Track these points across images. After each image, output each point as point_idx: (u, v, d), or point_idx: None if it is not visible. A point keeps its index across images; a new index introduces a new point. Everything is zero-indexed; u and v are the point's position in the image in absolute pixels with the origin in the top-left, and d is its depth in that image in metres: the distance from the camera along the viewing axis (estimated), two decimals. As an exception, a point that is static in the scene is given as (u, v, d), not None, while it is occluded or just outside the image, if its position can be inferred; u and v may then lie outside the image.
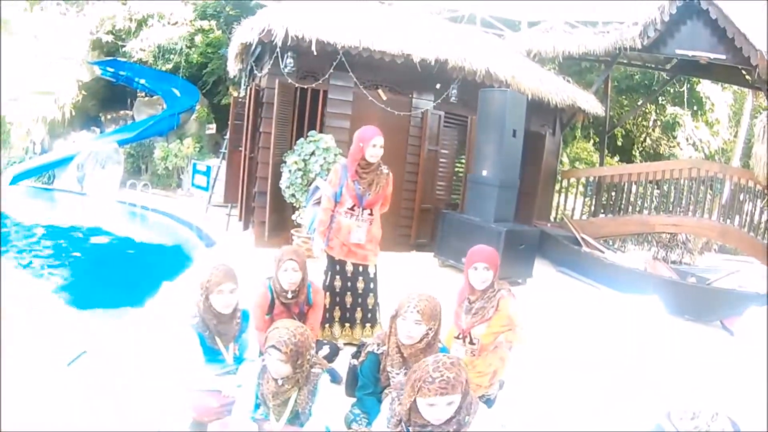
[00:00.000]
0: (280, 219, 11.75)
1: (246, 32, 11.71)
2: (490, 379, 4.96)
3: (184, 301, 7.45)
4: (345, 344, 6.48)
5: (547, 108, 13.74)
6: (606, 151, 19.18)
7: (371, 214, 6.61)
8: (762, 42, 11.75)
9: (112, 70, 26.68)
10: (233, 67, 15.36)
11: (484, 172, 10.76)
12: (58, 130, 25.91)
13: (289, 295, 5.51)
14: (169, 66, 25.88)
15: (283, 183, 11.16)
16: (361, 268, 6.67)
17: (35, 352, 7.67)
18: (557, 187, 16.82)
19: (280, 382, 3.96)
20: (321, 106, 11.82)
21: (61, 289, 11.09)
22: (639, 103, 22.09)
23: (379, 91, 12.02)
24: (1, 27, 26.06)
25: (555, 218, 16.22)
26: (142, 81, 26.51)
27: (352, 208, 6.52)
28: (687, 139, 24.60)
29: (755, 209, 13.72)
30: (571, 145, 23.21)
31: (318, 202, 6.88)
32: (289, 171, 11.03)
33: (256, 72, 13.37)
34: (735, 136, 25.11)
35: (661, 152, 24.59)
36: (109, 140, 23.37)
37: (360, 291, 6.69)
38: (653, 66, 17.71)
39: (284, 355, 3.83)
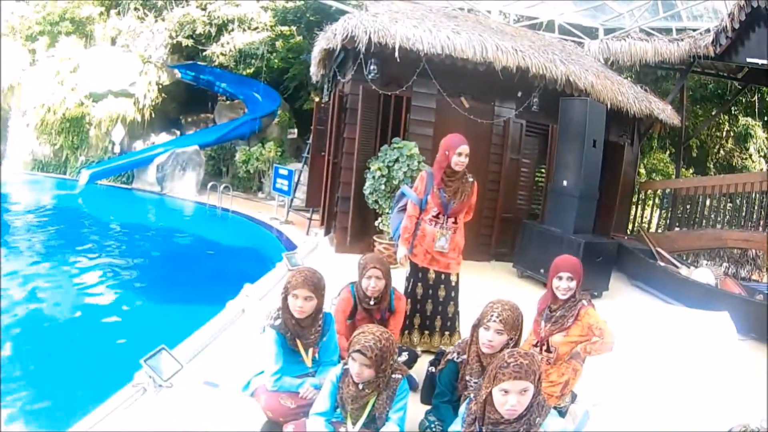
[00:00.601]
0: (362, 225, 11.86)
1: (329, 38, 11.99)
2: (561, 389, 5.11)
3: (265, 303, 7.94)
4: (423, 351, 6.53)
5: (625, 117, 13.64)
6: (681, 163, 18.86)
7: (455, 222, 6.63)
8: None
9: (192, 73, 27.39)
10: (316, 73, 15.59)
11: (565, 182, 10.75)
12: (138, 132, 26.74)
13: (372, 302, 5.67)
14: (250, 70, 26.41)
15: (367, 189, 11.26)
16: (443, 276, 6.69)
17: (113, 348, 8.20)
18: (634, 198, 16.71)
19: (360, 386, 4.09)
20: (404, 113, 11.88)
21: (140, 287, 11.54)
22: (713, 113, 21.67)
23: (462, 98, 12.06)
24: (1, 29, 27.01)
25: (632, 231, 16.14)
26: (223, 85, 27.18)
27: (436, 216, 6.55)
28: (758, 151, 23.97)
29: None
30: (648, 156, 22.82)
31: (403, 209, 6.90)
32: (373, 177, 11.12)
33: (339, 78, 13.49)
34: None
35: (734, 164, 23.98)
36: (190, 142, 24.04)
37: (441, 299, 6.71)
38: (726, 75, 17.35)
39: (369, 359, 3.97)
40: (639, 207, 16.66)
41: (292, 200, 17.13)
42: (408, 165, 10.94)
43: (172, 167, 22.75)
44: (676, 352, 7.45)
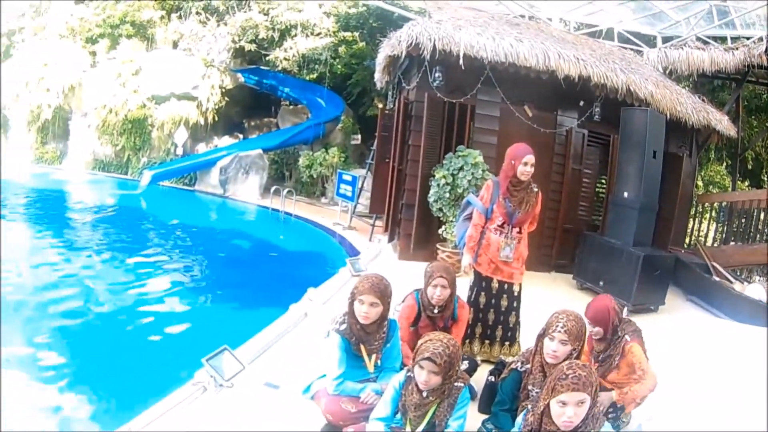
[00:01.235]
0: (426, 232, 12.02)
1: (394, 45, 12.20)
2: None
3: (328, 307, 8.32)
4: (482, 361, 6.66)
5: (683, 128, 13.56)
6: (737, 175, 18.86)
7: (520, 232, 6.70)
8: None
9: (255, 77, 28.10)
10: (380, 79, 15.79)
11: (625, 194, 10.69)
12: (201, 134, 27.50)
13: (436, 310, 5.81)
14: (314, 76, 26.81)
15: (431, 197, 11.46)
16: (506, 286, 6.77)
17: (174, 347, 8.61)
18: (692, 211, 16.57)
19: (425, 393, 4.22)
20: (468, 121, 12.09)
21: (202, 288, 12.00)
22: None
23: (525, 107, 12.19)
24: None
25: (689, 244, 16.00)
26: (287, 89, 27.88)
27: (501, 226, 6.63)
28: (812, 164, 23.81)
29: None
30: (706, 168, 22.73)
31: (469, 218, 7.00)
32: (438, 185, 11.30)
33: (404, 85, 13.55)
34: None
35: (789, 177, 23.68)
36: (254, 146, 24.57)
37: (503, 309, 6.79)
38: (780, 84, 17.01)
39: (438, 366, 4.08)
40: (696, 220, 16.64)
41: (355, 206, 17.23)
42: (472, 173, 11.04)
43: (235, 170, 23.37)
44: (728, 368, 7.76)
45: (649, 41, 18.32)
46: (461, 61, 11.07)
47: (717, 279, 12.02)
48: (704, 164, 22.53)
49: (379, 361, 5.16)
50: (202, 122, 26.74)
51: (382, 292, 4.90)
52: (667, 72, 15.32)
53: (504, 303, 6.78)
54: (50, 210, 20.05)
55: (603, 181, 13.69)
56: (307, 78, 27.24)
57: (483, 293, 6.79)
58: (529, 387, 4.77)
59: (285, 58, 26.09)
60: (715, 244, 15.84)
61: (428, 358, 4.08)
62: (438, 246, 11.77)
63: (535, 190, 6.76)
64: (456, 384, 4.28)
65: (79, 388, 6.87)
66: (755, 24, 16.72)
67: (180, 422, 4.87)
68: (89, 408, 6.44)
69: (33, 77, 30.00)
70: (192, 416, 5.02)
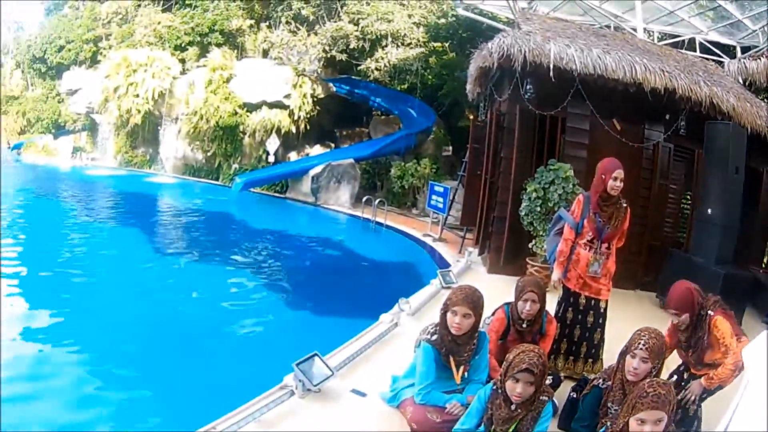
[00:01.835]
0: (516, 246, 12.05)
1: (485, 57, 12.43)
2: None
3: (418, 318, 8.52)
4: (565, 377, 6.66)
5: (764, 143, 12.81)
6: None
7: (608, 248, 6.75)
8: None
9: (347, 87, 28.97)
10: (472, 91, 16.07)
11: (709, 210, 10.64)
12: (293, 143, 28.49)
13: (525, 324, 5.98)
14: (405, 86, 27.39)
15: (523, 210, 11.51)
16: (593, 302, 6.80)
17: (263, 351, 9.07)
18: None
19: (513, 407, 4.35)
20: (559, 134, 12.13)
21: (292, 293, 12.65)
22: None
23: (614, 120, 12.09)
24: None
25: (767, 264, 15.33)
26: (378, 100, 28.70)
27: (591, 241, 6.70)
28: None
29: None
30: None
31: (559, 232, 7.07)
32: (529, 199, 11.33)
33: (496, 96, 13.58)
34: None
35: None
36: (346, 155, 25.14)
37: (589, 325, 6.84)
38: None
39: (534, 377, 4.24)
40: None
41: (446, 218, 17.61)
42: (563, 187, 11.08)
43: (327, 179, 24.02)
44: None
45: (730, 52, 18.04)
46: (551, 73, 11.17)
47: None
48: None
49: (466, 373, 5.31)
50: (294, 130, 27.66)
51: (474, 303, 5.09)
52: (747, 83, 15.05)
53: (590, 319, 6.86)
54: (141, 213, 21.24)
55: (688, 197, 13.54)
56: (398, 88, 27.78)
57: (570, 309, 6.90)
58: (609, 404, 4.87)
59: (376, 68, 26.58)
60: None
61: (526, 370, 4.22)
62: (528, 260, 11.85)
63: (624, 205, 6.82)
64: (541, 398, 4.42)
65: (168, 387, 7.57)
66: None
67: (266, 424, 5.09)
68: (178, 406, 7.01)
69: (122, 83, 31.27)
70: (278, 419, 5.22)
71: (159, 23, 35.55)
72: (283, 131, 27.84)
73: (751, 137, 12.14)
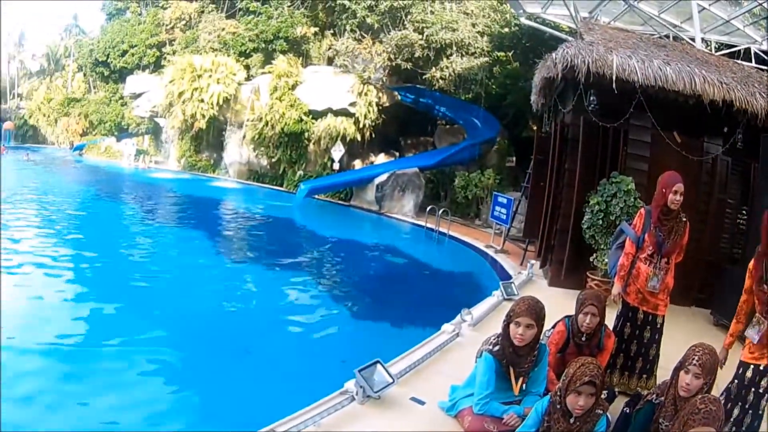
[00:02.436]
0: (578, 259, 12.07)
1: (549, 67, 12.66)
2: None
3: (480, 329, 8.63)
4: (619, 392, 6.76)
5: None
6: None
7: (668, 262, 6.76)
8: None
9: (412, 96, 29.42)
10: (536, 101, 16.27)
11: None
12: (358, 150, 29.22)
13: (584, 338, 6.13)
14: (469, 96, 27.63)
15: (585, 223, 11.64)
16: (650, 318, 6.84)
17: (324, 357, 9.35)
18: None
19: (572, 420, 4.45)
20: (621, 147, 12.13)
21: (354, 300, 12.94)
22: None
23: (675, 133, 12.04)
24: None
25: None
26: (443, 109, 29.09)
27: (651, 256, 6.72)
28: None
29: None
30: None
31: (621, 246, 7.09)
32: (592, 212, 11.49)
33: (560, 108, 13.89)
34: None
35: None
36: (411, 164, 25.54)
37: (645, 340, 6.86)
38: None
39: (597, 389, 4.35)
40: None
41: (509, 229, 18.06)
42: (625, 200, 11.20)
43: (391, 188, 24.50)
44: None
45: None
46: (614, 84, 11.24)
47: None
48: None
49: (524, 385, 5.42)
50: (359, 138, 28.25)
51: (537, 314, 5.21)
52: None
53: (647, 335, 6.87)
54: (204, 217, 22.10)
55: (744, 211, 13.21)
56: (463, 98, 28.02)
57: (628, 324, 6.92)
58: (660, 420, 4.88)
59: (441, 77, 26.92)
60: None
61: (589, 382, 4.33)
62: (588, 274, 11.86)
63: (684, 219, 6.82)
64: (597, 411, 4.52)
65: (231, 388, 7.87)
66: None
67: (325, 428, 5.25)
68: (240, 406, 7.26)
69: (187, 88, 32.39)
70: (336, 423, 5.37)
71: (223, 29, 36.51)
72: (348, 139, 28.32)
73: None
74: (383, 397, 5.92)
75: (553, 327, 6.49)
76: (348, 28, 30.68)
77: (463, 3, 28.61)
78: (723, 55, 16.47)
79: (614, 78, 11.25)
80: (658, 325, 6.88)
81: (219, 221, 22.11)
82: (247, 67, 35.18)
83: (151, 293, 11.79)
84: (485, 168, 24.15)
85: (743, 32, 17.62)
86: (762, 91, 12.06)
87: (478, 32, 27.63)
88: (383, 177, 24.94)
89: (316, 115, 29.52)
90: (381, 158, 29.26)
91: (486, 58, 27.36)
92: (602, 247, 11.43)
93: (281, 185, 30.43)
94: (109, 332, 9.32)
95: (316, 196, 26.75)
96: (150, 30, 45.87)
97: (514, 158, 26.26)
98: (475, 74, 27.02)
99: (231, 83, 32.97)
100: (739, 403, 5.43)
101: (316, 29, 34.47)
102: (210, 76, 32.91)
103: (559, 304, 8.37)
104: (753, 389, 5.34)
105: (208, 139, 36.02)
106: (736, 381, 5.55)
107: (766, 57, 17.56)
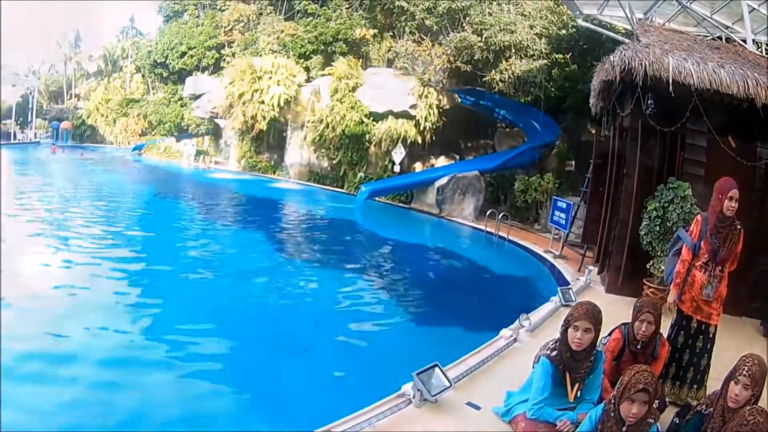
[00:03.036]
0: (635, 266, 12.05)
1: (607, 70, 12.44)
2: None
3: (538, 334, 8.76)
4: (669, 402, 6.73)
5: None
6: None
7: (722, 270, 6.76)
8: None
9: (472, 98, 29.73)
10: (595, 105, 15.60)
11: None
12: (418, 153, 29.66)
13: (639, 345, 6.18)
14: (529, 99, 27.79)
15: (642, 229, 11.68)
16: (703, 327, 6.84)
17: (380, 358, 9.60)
18: None
19: (624, 428, 4.45)
20: (678, 151, 12.14)
21: (414, 303, 13.24)
22: None
23: (729, 137, 11.78)
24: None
25: None
26: (503, 112, 29.38)
27: (706, 263, 6.72)
28: None
29: None
30: None
31: (678, 253, 7.08)
32: (649, 218, 11.54)
33: (618, 111, 13.71)
34: None
35: None
36: (471, 168, 25.87)
37: (698, 350, 6.86)
38: None
39: (650, 396, 4.37)
40: None
41: (567, 234, 18.11)
42: (682, 207, 11.24)
43: (452, 191, 24.87)
44: None
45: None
46: (670, 87, 11.10)
47: None
48: None
49: (579, 392, 5.50)
50: (420, 141, 28.67)
51: (595, 318, 5.30)
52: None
53: (699, 344, 6.87)
54: (265, 217, 22.82)
55: None
56: (522, 100, 28.15)
57: (682, 332, 6.92)
58: (708, 431, 4.89)
59: (500, 80, 27.17)
60: None
61: (643, 390, 4.34)
62: (644, 281, 11.91)
63: (738, 227, 6.82)
64: (648, 419, 4.51)
65: (289, 388, 8.14)
66: None
67: (380, 429, 5.40)
68: (298, 406, 7.51)
69: (247, 89, 33.10)
70: (391, 426, 5.50)
71: (282, 31, 37.21)
72: (408, 141, 28.69)
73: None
74: (439, 401, 6.04)
75: (609, 334, 6.56)
76: (407, 30, 31.19)
77: (520, 4, 28.84)
78: (770, 55, 16.25)
79: (671, 81, 11.15)
80: (711, 335, 6.88)
81: (281, 222, 22.78)
82: (307, 69, 35.81)
83: (214, 290, 12.51)
84: (545, 172, 24.46)
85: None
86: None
87: (536, 34, 27.88)
88: (444, 180, 25.22)
89: (377, 117, 30.01)
90: (441, 161, 29.63)
91: (544, 61, 27.49)
92: (659, 254, 11.47)
93: (342, 187, 30.97)
94: (169, 327, 9.94)
95: (377, 199, 27.21)
96: (208, 32, 46.92)
97: (573, 162, 26.08)
98: (534, 77, 27.16)
99: (291, 85, 33.65)
100: None
101: (375, 31, 34.98)
102: (270, 78, 33.59)
103: (616, 311, 8.56)
104: None
105: (268, 140, 36.83)
106: None
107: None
